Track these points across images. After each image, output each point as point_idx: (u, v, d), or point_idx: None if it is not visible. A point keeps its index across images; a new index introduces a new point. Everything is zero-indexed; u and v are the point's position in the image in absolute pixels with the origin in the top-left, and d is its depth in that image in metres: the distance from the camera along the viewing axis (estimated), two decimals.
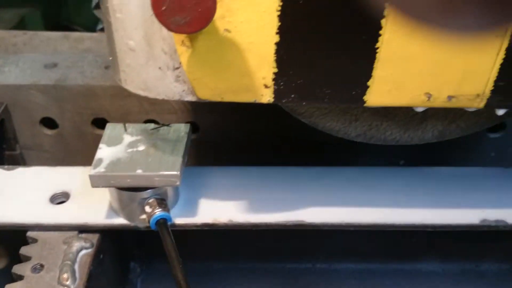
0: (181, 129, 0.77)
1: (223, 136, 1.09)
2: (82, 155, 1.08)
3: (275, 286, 0.94)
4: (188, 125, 0.78)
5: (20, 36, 1.12)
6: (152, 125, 0.77)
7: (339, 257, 0.95)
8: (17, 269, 0.72)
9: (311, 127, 0.78)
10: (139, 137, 0.75)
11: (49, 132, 1.07)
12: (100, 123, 1.04)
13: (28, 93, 1.02)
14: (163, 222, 0.71)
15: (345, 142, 0.88)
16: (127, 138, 0.75)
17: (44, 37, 1.12)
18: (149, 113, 1.05)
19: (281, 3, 0.52)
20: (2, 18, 2.50)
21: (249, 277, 0.94)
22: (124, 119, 1.03)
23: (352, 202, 0.81)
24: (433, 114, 0.72)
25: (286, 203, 0.80)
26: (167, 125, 0.77)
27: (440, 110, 0.71)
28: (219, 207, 0.79)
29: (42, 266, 0.72)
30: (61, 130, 1.06)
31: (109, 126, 0.77)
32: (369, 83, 0.58)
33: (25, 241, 0.77)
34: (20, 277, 0.71)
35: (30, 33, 1.12)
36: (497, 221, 0.79)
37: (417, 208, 0.80)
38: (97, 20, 1.73)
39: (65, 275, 0.70)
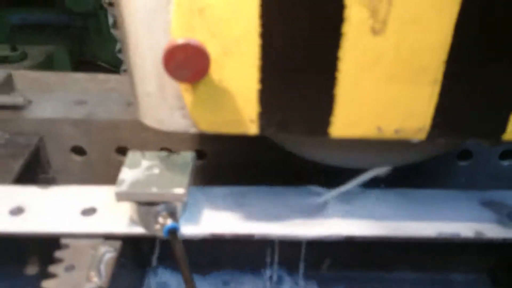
0: (188, 156, 0.93)
1: (227, 162, 1.26)
2: (106, 178, 1.25)
3: None
4: (194, 153, 0.94)
5: (52, 77, 1.31)
6: (165, 153, 0.94)
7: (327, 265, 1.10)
8: (52, 268, 0.88)
9: None
10: (154, 162, 0.92)
11: (78, 158, 1.25)
12: (122, 151, 1.22)
13: (60, 125, 1.20)
14: (173, 231, 0.88)
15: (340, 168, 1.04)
16: (145, 163, 0.92)
17: (74, 78, 1.31)
18: (164, 142, 1.22)
19: (260, 62, 0.69)
20: (31, 55, 2.72)
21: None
22: (143, 147, 1.20)
23: (333, 215, 0.96)
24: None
25: (277, 218, 0.96)
26: (177, 153, 0.94)
27: None
28: (219, 220, 0.95)
29: (73, 266, 0.88)
30: (89, 157, 1.24)
31: (130, 153, 0.95)
32: (331, 119, 0.75)
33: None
34: (54, 275, 0.87)
35: (61, 74, 1.31)
36: (452, 234, 0.94)
37: (385, 222, 0.95)
38: (120, 61, 1.93)
39: (92, 273, 0.86)
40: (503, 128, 0.75)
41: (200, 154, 1.27)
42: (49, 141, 1.22)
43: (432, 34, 0.66)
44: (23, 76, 1.30)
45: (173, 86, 0.73)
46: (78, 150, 1.24)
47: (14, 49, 2.62)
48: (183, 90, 0.72)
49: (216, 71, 0.70)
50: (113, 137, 1.20)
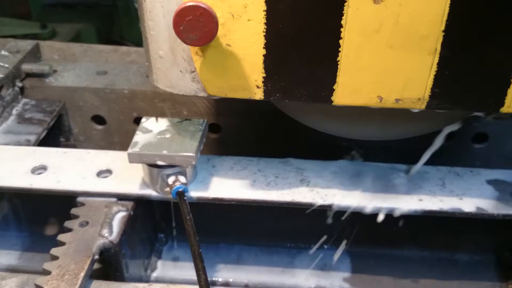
0: (199, 123, 0.97)
1: (241, 136, 1.29)
2: (124, 147, 1.30)
3: (279, 264, 1.13)
4: (205, 120, 0.98)
5: (77, 48, 1.36)
6: (177, 119, 0.98)
7: (334, 241, 1.12)
8: (68, 223, 0.94)
9: (316, 131, 0.98)
10: (166, 128, 0.96)
11: (98, 127, 1.30)
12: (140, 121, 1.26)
13: (82, 94, 1.25)
14: (181, 193, 0.92)
15: (347, 144, 1.05)
16: (158, 128, 0.96)
17: (97, 50, 1.36)
18: (180, 114, 1.27)
19: (265, 27, 0.72)
20: (60, 33, 2.79)
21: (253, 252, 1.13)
22: None
23: (342, 188, 0.99)
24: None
25: (282, 186, 0.99)
26: (189, 119, 0.98)
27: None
28: (227, 186, 0.98)
29: (87, 222, 0.93)
30: (109, 126, 1.29)
31: (144, 119, 0.99)
32: (334, 87, 0.77)
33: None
34: (69, 230, 0.92)
35: (85, 45, 1.37)
36: (453, 209, 0.95)
37: (391, 195, 0.98)
38: None
39: (104, 229, 0.91)
40: (501, 102, 0.77)
41: (215, 128, 1.31)
42: (71, 109, 1.27)
43: (430, 3, 0.68)
44: (49, 47, 1.36)
45: (184, 50, 0.77)
46: (99, 120, 1.29)
47: (44, 27, 2.70)
48: (193, 53, 0.76)
49: (224, 36, 0.73)
50: (131, 107, 1.24)
